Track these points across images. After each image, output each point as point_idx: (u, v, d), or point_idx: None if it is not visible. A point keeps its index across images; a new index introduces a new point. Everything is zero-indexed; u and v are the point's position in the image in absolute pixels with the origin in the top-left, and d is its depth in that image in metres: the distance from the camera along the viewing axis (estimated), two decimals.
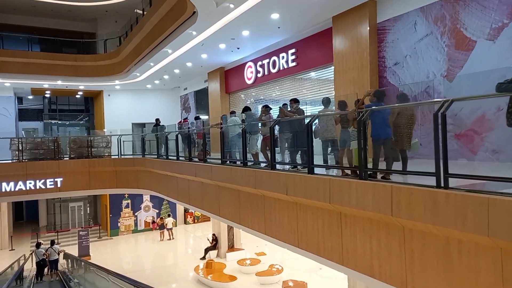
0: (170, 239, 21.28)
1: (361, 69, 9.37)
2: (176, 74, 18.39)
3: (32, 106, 25.35)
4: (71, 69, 18.59)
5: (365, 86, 9.09)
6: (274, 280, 13.61)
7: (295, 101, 7.01)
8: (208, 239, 17.91)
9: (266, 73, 13.86)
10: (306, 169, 6.31)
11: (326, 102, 6.83)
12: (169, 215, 22.32)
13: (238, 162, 8.75)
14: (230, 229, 17.41)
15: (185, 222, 24.73)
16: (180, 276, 15.65)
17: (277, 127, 7.20)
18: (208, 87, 18.35)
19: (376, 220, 4.52)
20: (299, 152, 6.89)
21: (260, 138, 7.92)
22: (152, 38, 13.80)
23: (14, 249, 20.12)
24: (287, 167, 6.97)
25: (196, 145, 11.38)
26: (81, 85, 20.49)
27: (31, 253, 16.50)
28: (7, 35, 18.75)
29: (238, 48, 13.53)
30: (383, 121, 5.10)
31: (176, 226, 23.49)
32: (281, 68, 13.06)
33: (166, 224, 21.52)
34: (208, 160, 9.79)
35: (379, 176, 4.92)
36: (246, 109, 8.10)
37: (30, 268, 15.73)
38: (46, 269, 14.51)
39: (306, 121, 6.95)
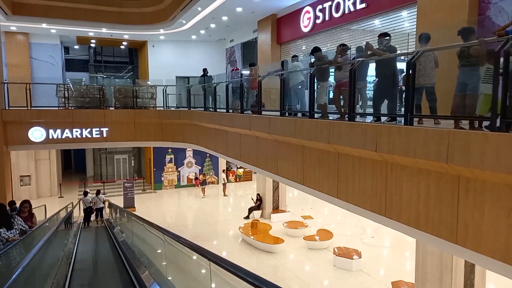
0: (225, 195, 21.21)
1: (455, 7, 7.60)
2: (223, 23, 17.07)
3: (78, 56, 25.22)
4: (116, 15, 17.81)
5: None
6: (323, 246, 12.79)
7: (385, 35, 5.54)
8: (252, 199, 17.31)
9: (327, 18, 12.21)
10: (394, 122, 5.11)
11: (424, 39, 5.34)
12: (223, 171, 22.35)
13: (299, 114, 7.62)
14: (275, 189, 16.61)
15: (227, 181, 24.40)
16: (222, 234, 15.28)
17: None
18: (257, 38, 16.93)
19: None
20: (385, 101, 5.59)
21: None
22: None
23: (63, 197, 20.76)
24: (364, 120, 5.74)
25: (248, 97, 10.23)
26: (126, 34, 19.77)
27: (79, 201, 16.81)
28: None
29: None
30: None
31: (218, 183, 23.25)
32: (346, 12, 11.37)
33: (224, 179, 21.66)
34: (263, 112, 8.69)
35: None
36: (316, 50, 6.76)
37: (78, 215, 16.02)
38: (93, 216, 14.73)
39: (399, 64, 5.64)
